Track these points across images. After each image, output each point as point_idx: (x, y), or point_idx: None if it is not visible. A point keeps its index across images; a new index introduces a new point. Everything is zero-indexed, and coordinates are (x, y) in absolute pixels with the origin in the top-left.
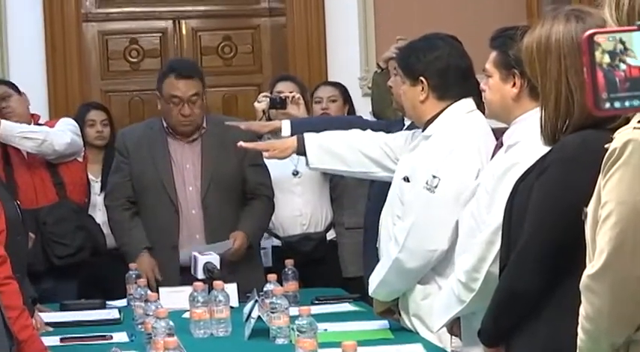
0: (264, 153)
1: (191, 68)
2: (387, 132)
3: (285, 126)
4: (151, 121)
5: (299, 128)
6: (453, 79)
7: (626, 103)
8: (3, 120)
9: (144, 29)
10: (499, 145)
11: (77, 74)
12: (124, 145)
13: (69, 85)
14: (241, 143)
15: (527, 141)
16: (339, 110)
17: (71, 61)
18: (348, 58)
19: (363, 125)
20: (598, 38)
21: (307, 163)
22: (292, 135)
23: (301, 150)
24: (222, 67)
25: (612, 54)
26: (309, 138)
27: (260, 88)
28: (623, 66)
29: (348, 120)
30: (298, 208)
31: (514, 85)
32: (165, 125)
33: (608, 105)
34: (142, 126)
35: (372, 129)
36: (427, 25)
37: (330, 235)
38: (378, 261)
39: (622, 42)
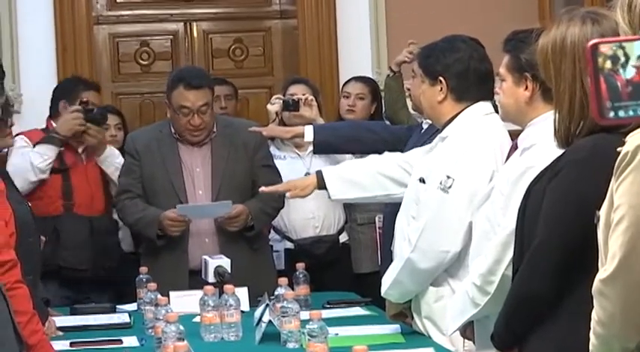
0: (286, 195)
1: (200, 78)
2: (408, 135)
3: (308, 131)
4: (160, 124)
5: (322, 133)
6: (472, 82)
7: (630, 112)
8: (109, 146)
9: (155, 32)
10: (514, 148)
11: (88, 77)
12: (134, 148)
13: None
14: (263, 188)
15: (543, 144)
16: (366, 108)
17: (82, 63)
18: (359, 60)
19: (384, 130)
20: (602, 48)
21: (329, 196)
22: (315, 140)
23: (322, 185)
24: (234, 69)
25: (615, 63)
26: (328, 171)
27: (271, 90)
28: (625, 75)
29: (371, 125)
30: (311, 211)
31: (526, 88)
32: (173, 131)
33: (612, 114)
34: (151, 129)
35: (394, 134)
36: (439, 28)
37: (343, 238)
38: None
39: (625, 51)
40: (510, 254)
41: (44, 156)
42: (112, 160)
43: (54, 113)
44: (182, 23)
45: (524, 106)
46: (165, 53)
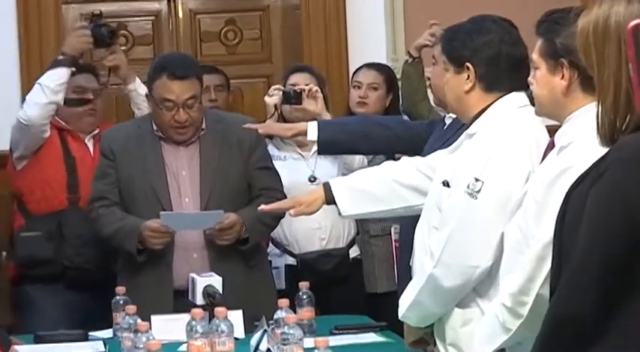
0: (290, 212)
1: (186, 66)
2: (429, 132)
3: (312, 128)
4: (140, 120)
5: (327, 130)
6: (504, 69)
7: None
8: (137, 78)
9: (133, 12)
10: (550, 146)
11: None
12: (109, 148)
13: None
14: (263, 207)
15: (582, 142)
16: (380, 100)
17: (48, 47)
18: (372, 45)
19: (400, 126)
20: None
21: (339, 212)
22: (320, 138)
23: (330, 199)
24: (226, 55)
25: None
26: (337, 183)
27: (269, 79)
28: None
29: (384, 120)
30: (316, 220)
31: (563, 77)
32: (155, 128)
33: None
34: (129, 126)
35: (411, 130)
36: (466, 6)
37: (354, 252)
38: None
39: None
40: (546, 270)
41: (53, 77)
42: (141, 92)
43: None
44: (165, 2)
45: (561, 98)
46: (146, 37)
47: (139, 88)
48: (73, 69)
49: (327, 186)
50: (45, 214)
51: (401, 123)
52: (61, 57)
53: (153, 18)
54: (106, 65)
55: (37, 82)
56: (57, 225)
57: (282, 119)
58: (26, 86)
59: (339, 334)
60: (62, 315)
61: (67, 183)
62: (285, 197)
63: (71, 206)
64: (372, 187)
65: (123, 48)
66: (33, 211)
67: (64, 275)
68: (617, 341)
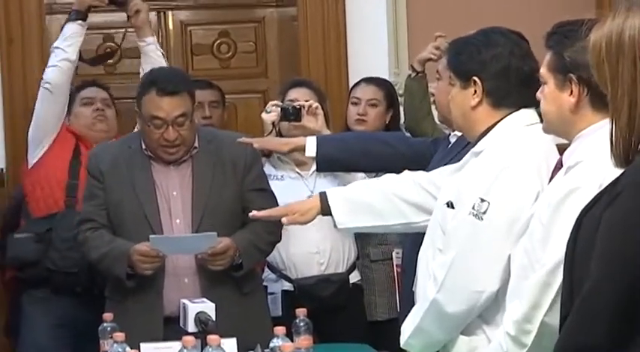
0: (282, 220)
1: (177, 81)
2: (433, 150)
3: (310, 143)
4: (129, 138)
5: (326, 146)
6: (513, 84)
7: None
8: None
9: (121, 23)
10: (558, 166)
11: (38, 75)
12: (97, 168)
13: (29, 88)
14: (254, 212)
15: (591, 162)
16: (379, 117)
17: (31, 58)
18: (373, 58)
19: (403, 143)
20: None
21: (334, 224)
22: (318, 154)
23: (326, 210)
24: (219, 69)
25: None
26: (334, 193)
27: (265, 95)
28: None
29: (386, 137)
30: (315, 244)
31: (571, 93)
32: (144, 146)
33: None
34: (118, 145)
35: (415, 148)
36: (473, 18)
37: (354, 277)
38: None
39: None
40: (551, 296)
41: (64, 35)
42: (157, 51)
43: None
44: (154, 12)
45: (569, 115)
46: (135, 49)
47: (155, 42)
48: (83, 23)
49: (323, 196)
50: (41, 217)
51: (403, 140)
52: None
53: None
54: (128, 13)
55: (52, 46)
56: (48, 228)
57: (280, 136)
58: (8, 97)
59: None
60: (53, 333)
61: (67, 184)
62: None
63: (67, 209)
64: (371, 200)
65: (110, 61)
66: (32, 212)
67: (50, 280)
68: None
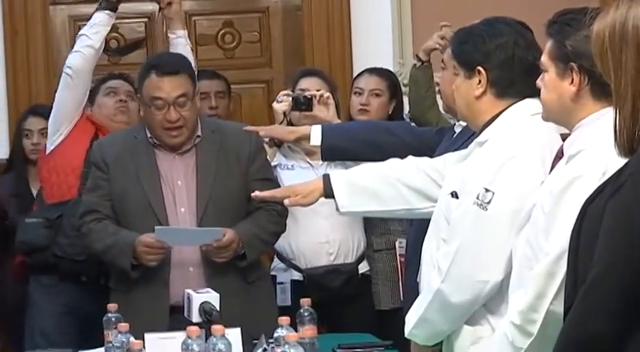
0: (285, 201)
1: (176, 63)
2: (438, 141)
3: (315, 132)
4: (134, 129)
5: (332, 134)
6: (518, 74)
7: None
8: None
9: (125, 13)
10: (559, 155)
11: (43, 66)
12: (101, 159)
13: (33, 79)
14: (256, 193)
15: (592, 150)
16: (382, 107)
17: (35, 50)
18: (378, 48)
19: (409, 133)
20: None
21: (337, 208)
22: (323, 143)
23: (329, 192)
24: (223, 59)
25: None
26: (337, 177)
27: (269, 85)
28: None
29: (392, 127)
30: (324, 234)
31: (572, 82)
32: (149, 135)
33: None
34: (123, 135)
35: (420, 138)
36: (477, 8)
37: (364, 267)
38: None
39: None
40: (556, 286)
41: (91, 23)
42: (187, 45)
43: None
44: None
45: (570, 104)
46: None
47: (186, 36)
48: (112, 13)
49: (326, 179)
50: (54, 203)
51: (409, 130)
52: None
53: (146, 20)
54: (160, 4)
55: (79, 33)
56: (59, 214)
57: (291, 126)
58: (12, 89)
59: None
60: (59, 320)
61: (82, 172)
62: (287, 210)
63: (80, 197)
64: (375, 185)
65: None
66: (46, 198)
67: (58, 267)
68: None
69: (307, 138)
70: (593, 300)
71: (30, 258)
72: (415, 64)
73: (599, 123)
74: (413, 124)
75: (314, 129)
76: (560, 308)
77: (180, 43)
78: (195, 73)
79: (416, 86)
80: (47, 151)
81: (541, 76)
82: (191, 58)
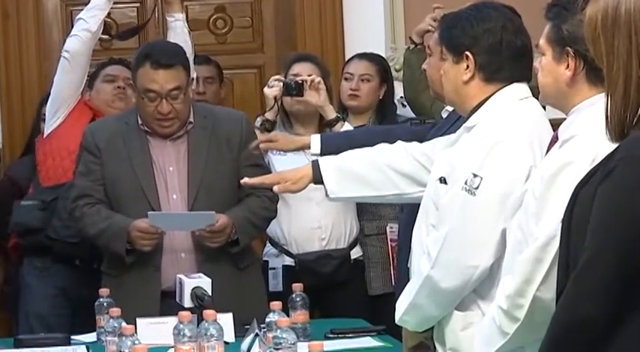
0: (274, 188)
1: (172, 54)
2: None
3: (315, 141)
4: (126, 114)
5: (331, 142)
6: (505, 58)
7: None
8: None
9: None
10: (554, 140)
11: (35, 52)
12: (93, 143)
13: (24, 65)
14: (246, 179)
15: (585, 136)
16: (373, 92)
17: (27, 34)
18: (370, 34)
19: (408, 134)
20: None
21: (326, 193)
22: (322, 152)
23: (318, 178)
24: (215, 44)
25: None
26: (326, 162)
27: (261, 70)
28: None
29: (390, 128)
30: (316, 219)
31: (568, 66)
32: (140, 122)
33: None
34: (115, 120)
35: (421, 137)
36: None
37: (356, 253)
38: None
39: None
40: (543, 270)
41: (89, 7)
42: (184, 28)
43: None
44: None
45: (565, 88)
46: (130, 25)
47: (184, 19)
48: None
49: (315, 165)
50: (50, 186)
51: (409, 131)
52: None
53: (138, 5)
54: None
55: (77, 17)
56: (54, 197)
57: (283, 111)
58: (4, 73)
59: (335, 338)
60: (52, 302)
61: (78, 156)
62: (277, 196)
63: None
64: (364, 170)
65: (105, 36)
66: (42, 181)
67: (51, 249)
68: (629, 344)
69: (307, 147)
70: (585, 284)
71: (24, 239)
72: (409, 47)
73: (594, 109)
74: (406, 108)
75: (313, 138)
76: (546, 294)
77: (179, 26)
78: (193, 56)
79: (410, 69)
80: (45, 135)
81: (538, 59)
82: (189, 41)
